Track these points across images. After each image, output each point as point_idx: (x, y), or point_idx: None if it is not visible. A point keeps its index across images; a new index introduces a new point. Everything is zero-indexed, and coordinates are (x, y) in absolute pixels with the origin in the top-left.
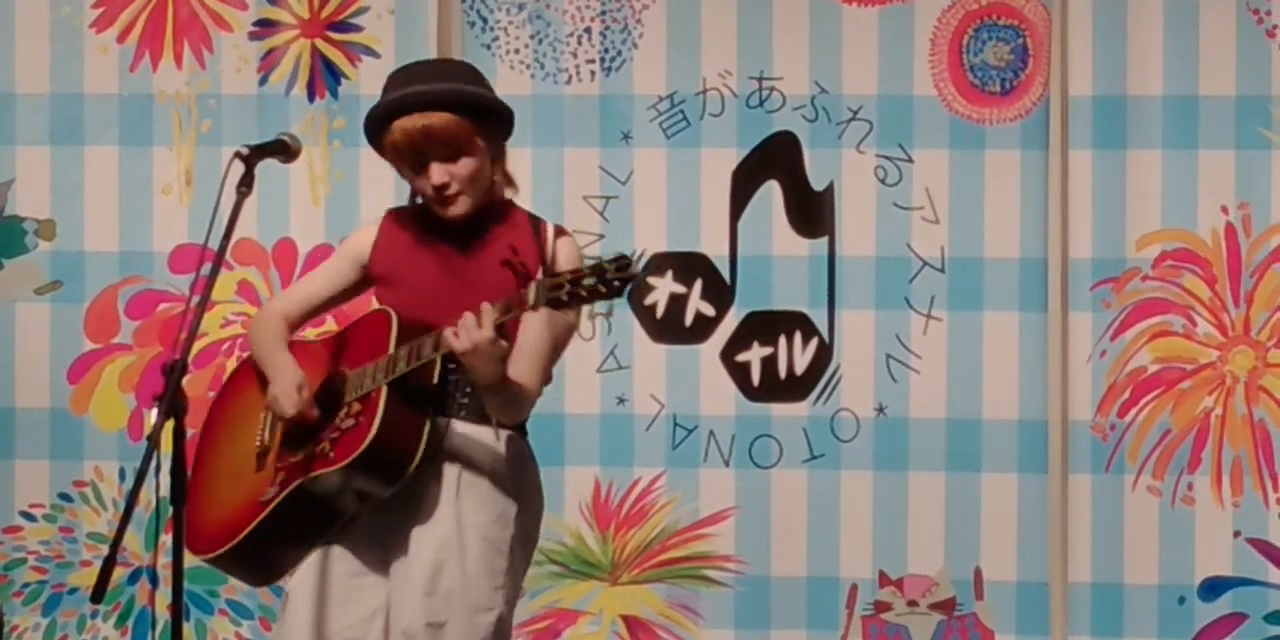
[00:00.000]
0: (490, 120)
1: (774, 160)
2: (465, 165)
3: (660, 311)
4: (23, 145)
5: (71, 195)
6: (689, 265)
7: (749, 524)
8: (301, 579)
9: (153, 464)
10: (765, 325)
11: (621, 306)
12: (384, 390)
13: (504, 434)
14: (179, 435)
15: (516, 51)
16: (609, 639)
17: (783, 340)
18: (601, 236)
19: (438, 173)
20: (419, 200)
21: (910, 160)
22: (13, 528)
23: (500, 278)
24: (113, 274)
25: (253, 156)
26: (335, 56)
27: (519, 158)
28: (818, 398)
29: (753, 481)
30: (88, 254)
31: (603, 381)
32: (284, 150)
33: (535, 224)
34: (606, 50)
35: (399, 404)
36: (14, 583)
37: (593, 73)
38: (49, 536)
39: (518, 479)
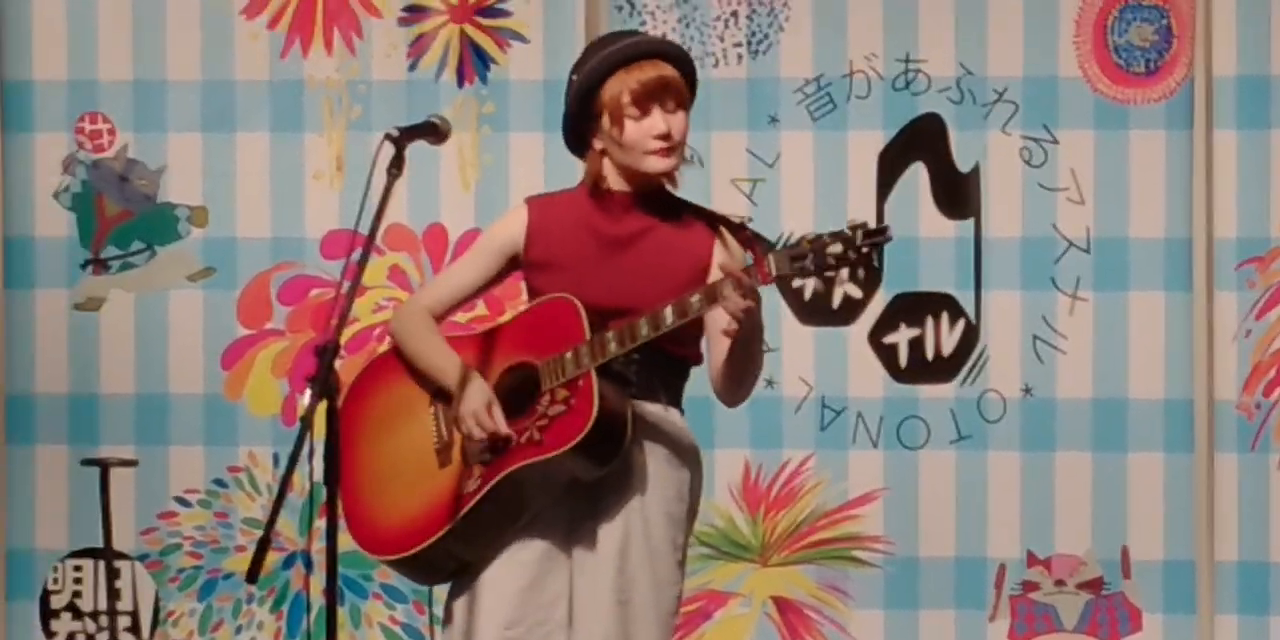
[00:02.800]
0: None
1: (920, 142)
2: (683, 120)
3: (808, 294)
4: (174, 132)
5: (223, 182)
6: None
7: (897, 505)
8: (495, 570)
9: (306, 447)
10: (912, 307)
11: (770, 291)
12: (592, 373)
13: (672, 410)
14: (332, 417)
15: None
16: (760, 620)
17: (930, 322)
18: (749, 220)
19: (664, 121)
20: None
21: (1055, 141)
22: (168, 513)
23: (666, 261)
24: (265, 260)
25: (403, 138)
26: (484, 41)
27: None
28: (965, 379)
29: (901, 463)
30: (240, 240)
31: None
32: (434, 132)
33: (711, 218)
34: (753, 33)
35: (606, 385)
36: (169, 568)
37: (740, 56)
38: (204, 522)
39: (688, 453)
